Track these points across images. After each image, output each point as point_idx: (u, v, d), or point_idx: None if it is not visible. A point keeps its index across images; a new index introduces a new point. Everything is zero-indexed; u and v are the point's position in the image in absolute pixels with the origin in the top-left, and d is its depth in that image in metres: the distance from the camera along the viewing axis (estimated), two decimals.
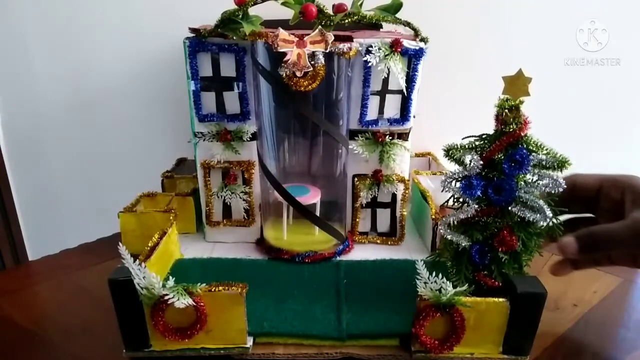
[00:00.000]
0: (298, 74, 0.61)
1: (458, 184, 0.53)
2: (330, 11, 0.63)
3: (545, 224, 0.51)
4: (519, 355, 0.53)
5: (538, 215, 0.50)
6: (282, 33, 0.60)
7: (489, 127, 0.53)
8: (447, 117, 0.97)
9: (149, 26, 0.93)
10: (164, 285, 0.50)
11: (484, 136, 0.53)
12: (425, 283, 0.50)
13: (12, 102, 0.98)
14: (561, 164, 0.50)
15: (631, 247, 0.45)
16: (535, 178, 0.51)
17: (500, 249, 0.52)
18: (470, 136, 0.54)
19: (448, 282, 0.49)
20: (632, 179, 0.51)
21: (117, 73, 0.96)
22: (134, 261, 0.50)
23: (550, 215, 0.50)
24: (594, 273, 0.70)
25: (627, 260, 0.54)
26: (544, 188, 0.50)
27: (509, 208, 0.52)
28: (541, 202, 0.50)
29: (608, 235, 0.47)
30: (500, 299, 0.50)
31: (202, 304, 0.50)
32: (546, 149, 0.51)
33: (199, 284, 0.51)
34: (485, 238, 0.53)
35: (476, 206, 0.52)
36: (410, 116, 0.70)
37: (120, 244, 0.51)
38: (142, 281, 0.49)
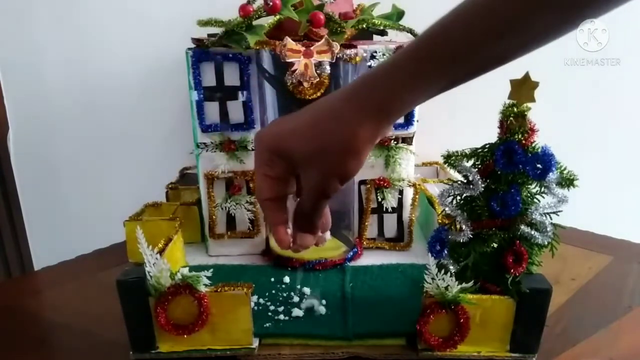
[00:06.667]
0: (305, 84, 0.65)
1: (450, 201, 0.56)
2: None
3: (546, 242, 0.53)
4: (527, 354, 0.56)
5: (540, 235, 0.52)
6: (290, 42, 0.65)
7: (494, 133, 0.54)
8: (453, 125, 1.01)
9: (158, 40, 0.99)
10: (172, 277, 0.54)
11: (486, 146, 0.55)
12: (432, 279, 0.53)
13: (24, 115, 1.05)
14: (569, 181, 0.52)
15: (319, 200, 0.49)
16: (541, 190, 0.53)
17: (512, 270, 0.53)
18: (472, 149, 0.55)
19: (455, 280, 0.52)
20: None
21: (124, 85, 1.03)
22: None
23: (552, 235, 0.52)
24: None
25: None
26: (547, 208, 0.52)
27: (516, 225, 0.53)
28: (546, 221, 0.52)
29: (309, 206, 0.49)
30: (506, 296, 0.54)
31: (205, 299, 0.54)
32: (558, 164, 0.52)
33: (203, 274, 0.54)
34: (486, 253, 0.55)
35: (470, 232, 0.54)
36: (414, 120, 0.74)
37: (138, 227, 0.55)
38: (152, 269, 0.53)
